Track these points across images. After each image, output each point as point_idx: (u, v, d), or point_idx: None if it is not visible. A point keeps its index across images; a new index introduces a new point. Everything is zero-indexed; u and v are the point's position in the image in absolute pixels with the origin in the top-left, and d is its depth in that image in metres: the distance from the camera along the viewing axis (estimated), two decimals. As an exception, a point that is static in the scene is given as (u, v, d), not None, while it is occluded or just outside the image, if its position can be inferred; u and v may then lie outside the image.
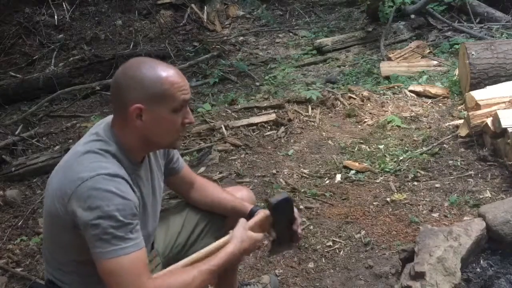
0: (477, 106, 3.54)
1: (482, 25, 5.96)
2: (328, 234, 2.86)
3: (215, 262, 1.58)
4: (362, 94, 4.57)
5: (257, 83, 5.43)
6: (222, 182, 3.45)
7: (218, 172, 3.61)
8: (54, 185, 1.53)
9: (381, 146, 3.76)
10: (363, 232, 2.84)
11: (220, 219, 1.95)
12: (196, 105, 4.71)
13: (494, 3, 6.27)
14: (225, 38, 6.93)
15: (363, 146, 3.81)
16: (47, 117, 5.09)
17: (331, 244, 2.77)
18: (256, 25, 7.38)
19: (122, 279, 1.42)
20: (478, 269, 2.09)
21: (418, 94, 4.55)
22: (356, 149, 3.77)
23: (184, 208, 1.98)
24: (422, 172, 3.36)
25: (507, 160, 3.13)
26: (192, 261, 1.63)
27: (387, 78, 5.01)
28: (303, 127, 4.18)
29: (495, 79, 4.01)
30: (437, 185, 3.20)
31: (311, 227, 2.92)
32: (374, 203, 3.10)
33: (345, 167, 3.52)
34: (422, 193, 3.14)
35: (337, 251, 2.72)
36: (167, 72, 1.52)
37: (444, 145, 3.62)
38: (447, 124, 3.92)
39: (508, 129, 3.11)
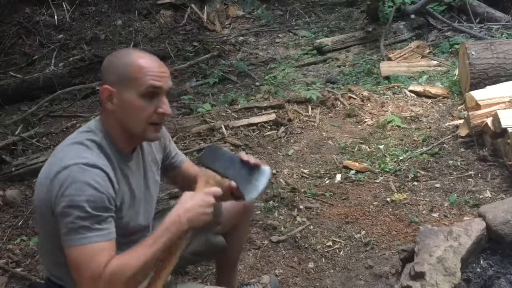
0: (477, 106, 3.53)
1: (482, 25, 5.96)
2: (328, 234, 2.86)
3: (157, 233, 1.49)
4: (362, 94, 4.57)
5: (257, 83, 5.43)
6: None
7: (218, 172, 3.60)
8: (41, 174, 1.58)
9: (381, 146, 3.76)
10: (363, 232, 2.84)
11: None
12: (196, 105, 4.71)
13: (494, 3, 6.27)
14: (225, 38, 6.93)
15: (363, 146, 3.81)
16: (47, 117, 5.10)
17: (331, 244, 2.77)
18: (256, 25, 7.38)
19: (81, 267, 1.43)
20: (478, 269, 2.08)
21: (418, 94, 4.55)
22: (356, 149, 3.77)
23: None
24: (422, 172, 3.36)
25: (507, 160, 3.13)
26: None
27: (387, 78, 5.01)
28: (303, 127, 4.18)
29: (495, 79, 4.01)
30: (437, 185, 3.20)
31: (311, 227, 2.92)
32: (374, 203, 3.10)
33: (345, 167, 3.52)
34: (422, 193, 3.14)
35: (337, 251, 2.72)
36: (140, 58, 1.53)
37: (444, 145, 3.62)
38: (447, 124, 3.92)
39: (508, 129, 3.11)
